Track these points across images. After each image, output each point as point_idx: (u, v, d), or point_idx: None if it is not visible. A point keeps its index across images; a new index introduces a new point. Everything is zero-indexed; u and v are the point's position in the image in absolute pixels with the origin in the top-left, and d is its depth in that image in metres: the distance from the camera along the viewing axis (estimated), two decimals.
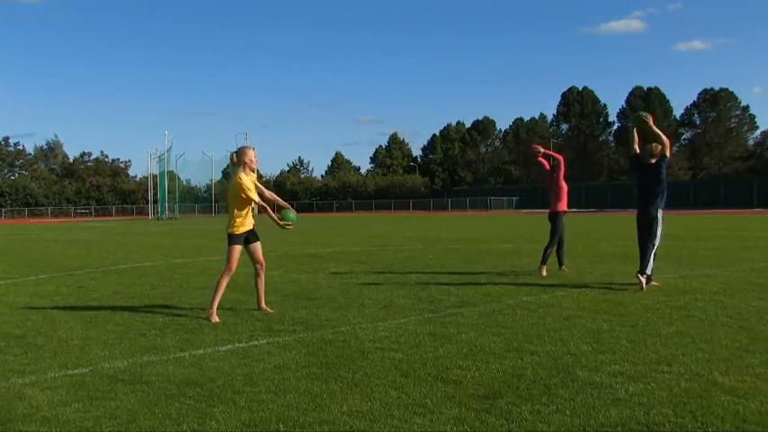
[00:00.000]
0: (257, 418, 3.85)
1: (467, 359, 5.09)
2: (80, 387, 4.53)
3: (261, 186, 7.34)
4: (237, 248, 7.17)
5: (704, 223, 29.78)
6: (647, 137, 8.92)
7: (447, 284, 9.44)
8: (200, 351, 5.53)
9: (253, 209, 7.36)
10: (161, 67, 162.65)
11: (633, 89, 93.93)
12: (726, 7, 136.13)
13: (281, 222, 7.28)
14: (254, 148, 7.30)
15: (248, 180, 7.10)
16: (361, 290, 9.01)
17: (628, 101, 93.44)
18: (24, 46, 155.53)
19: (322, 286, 9.49)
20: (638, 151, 9.11)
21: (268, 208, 7.23)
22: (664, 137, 8.78)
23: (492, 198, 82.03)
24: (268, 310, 7.36)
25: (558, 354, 5.22)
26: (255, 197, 7.10)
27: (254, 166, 7.22)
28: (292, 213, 7.38)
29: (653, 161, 8.80)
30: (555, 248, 10.71)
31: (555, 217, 10.76)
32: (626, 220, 34.32)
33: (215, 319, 6.85)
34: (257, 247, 7.37)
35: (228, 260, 7.16)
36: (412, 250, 16.21)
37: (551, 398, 4.10)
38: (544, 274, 10.24)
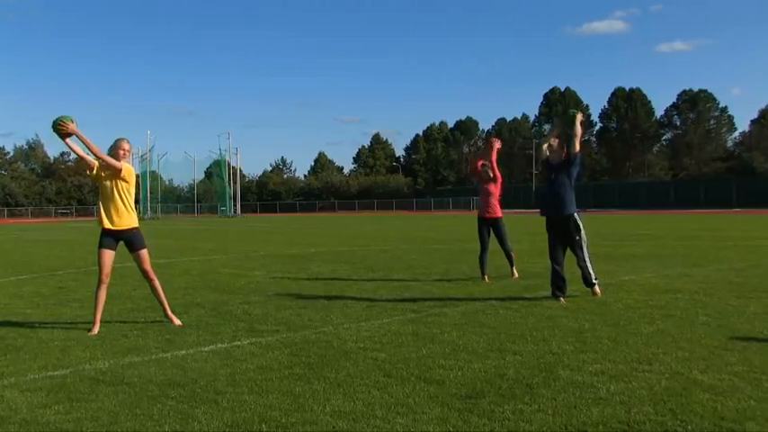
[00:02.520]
0: (240, 418, 3.84)
1: (449, 359, 5.11)
2: (60, 388, 4.49)
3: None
4: (103, 253, 6.55)
5: (684, 223, 30.08)
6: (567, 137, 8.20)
7: (430, 284, 9.47)
8: (183, 352, 5.51)
9: (134, 207, 6.72)
10: (144, 66, 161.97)
11: (615, 90, 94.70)
12: (705, 8, 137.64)
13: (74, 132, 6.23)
14: (127, 140, 6.60)
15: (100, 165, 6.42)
16: (344, 290, 9.00)
17: (610, 101, 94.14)
18: (3, 44, 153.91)
19: (305, 286, 9.48)
20: (547, 153, 8.26)
21: (92, 152, 6.36)
22: (577, 143, 8.08)
23: (475, 198, 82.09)
24: (176, 321, 6.71)
25: (540, 353, 5.24)
26: (98, 158, 6.38)
27: (125, 157, 6.53)
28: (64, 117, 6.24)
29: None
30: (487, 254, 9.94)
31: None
32: (608, 220, 34.57)
33: (93, 331, 6.32)
34: (141, 255, 6.65)
35: (98, 267, 6.56)
36: (395, 250, 16.23)
37: (533, 397, 4.12)
38: (487, 280, 9.67)
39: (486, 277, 9.81)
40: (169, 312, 6.80)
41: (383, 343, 5.70)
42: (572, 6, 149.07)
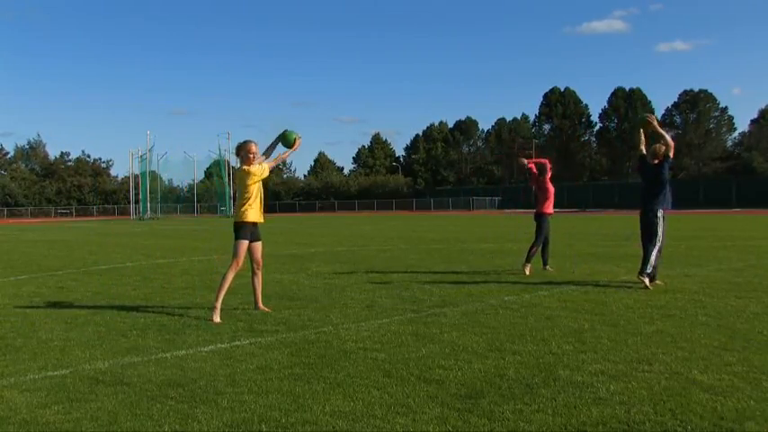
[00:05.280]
0: (239, 418, 3.84)
1: (449, 359, 5.11)
2: (60, 389, 4.49)
3: (265, 166, 7.36)
4: (244, 243, 7.16)
5: (684, 223, 30.06)
6: (654, 137, 9.16)
7: (429, 284, 9.46)
8: (182, 352, 5.51)
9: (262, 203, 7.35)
10: (143, 66, 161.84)
11: (615, 90, 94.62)
12: (705, 8, 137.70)
13: (290, 147, 7.39)
14: (255, 142, 7.28)
15: (256, 168, 7.18)
16: (343, 290, 9.00)
17: (610, 101, 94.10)
18: (3, 44, 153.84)
19: (304, 286, 9.48)
20: (644, 152, 9.28)
21: (277, 159, 7.54)
22: (668, 137, 9.04)
23: (474, 198, 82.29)
24: (266, 309, 7.40)
25: (539, 353, 5.25)
26: (264, 172, 7.22)
27: (255, 159, 7.19)
28: (291, 133, 7.35)
29: (655, 161, 9.04)
30: (540, 248, 10.80)
31: (540, 218, 10.92)
32: (608, 220, 34.57)
33: (216, 318, 6.83)
34: (258, 247, 7.34)
35: (235, 254, 7.18)
36: (395, 250, 16.22)
37: (533, 397, 4.12)
38: (527, 272, 10.31)
39: (547, 267, 10.79)
40: (260, 303, 7.51)
41: (383, 343, 5.70)
42: (571, 6, 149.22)
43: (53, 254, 17.06)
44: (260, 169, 7.19)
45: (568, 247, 15.93)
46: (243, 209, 7.19)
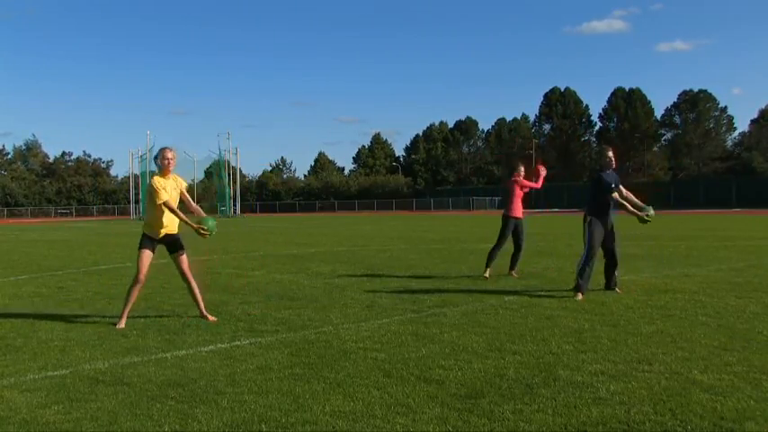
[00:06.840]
0: (239, 418, 3.84)
1: (449, 359, 5.11)
2: (60, 389, 4.49)
3: (187, 196, 7.08)
4: (145, 253, 6.86)
5: (684, 223, 30.06)
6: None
7: (429, 284, 9.46)
8: (182, 352, 5.51)
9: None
10: (143, 66, 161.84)
11: (615, 90, 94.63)
12: (705, 8, 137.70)
13: (197, 227, 6.86)
14: (172, 149, 6.96)
15: (161, 182, 6.78)
16: (343, 290, 9.00)
17: (610, 101, 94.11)
18: (2, 44, 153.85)
19: (305, 286, 9.48)
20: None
21: (179, 215, 6.89)
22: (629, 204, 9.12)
23: (474, 198, 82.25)
24: (209, 317, 6.92)
25: (539, 353, 5.25)
26: (164, 197, 6.72)
27: (170, 166, 6.86)
28: (211, 221, 6.97)
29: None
30: (514, 251, 10.54)
31: (503, 219, 10.65)
32: None
33: (120, 325, 6.59)
34: (180, 258, 7.04)
35: (136, 267, 6.88)
36: (395, 250, 16.22)
37: (533, 397, 4.12)
38: (487, 276, 10.06)
39: (488, 272, 10.15)
40: (204, 311, 7.02)
41: (383, 343, 5.70)
42: (571, 6, 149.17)
43: (53, 254, 17.06)
44: (165, 186, 6.79)
45: (568, 247, 15.93)
46: (148, 222, 6.98)
